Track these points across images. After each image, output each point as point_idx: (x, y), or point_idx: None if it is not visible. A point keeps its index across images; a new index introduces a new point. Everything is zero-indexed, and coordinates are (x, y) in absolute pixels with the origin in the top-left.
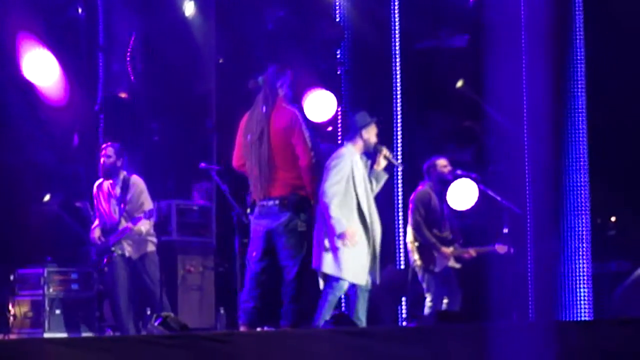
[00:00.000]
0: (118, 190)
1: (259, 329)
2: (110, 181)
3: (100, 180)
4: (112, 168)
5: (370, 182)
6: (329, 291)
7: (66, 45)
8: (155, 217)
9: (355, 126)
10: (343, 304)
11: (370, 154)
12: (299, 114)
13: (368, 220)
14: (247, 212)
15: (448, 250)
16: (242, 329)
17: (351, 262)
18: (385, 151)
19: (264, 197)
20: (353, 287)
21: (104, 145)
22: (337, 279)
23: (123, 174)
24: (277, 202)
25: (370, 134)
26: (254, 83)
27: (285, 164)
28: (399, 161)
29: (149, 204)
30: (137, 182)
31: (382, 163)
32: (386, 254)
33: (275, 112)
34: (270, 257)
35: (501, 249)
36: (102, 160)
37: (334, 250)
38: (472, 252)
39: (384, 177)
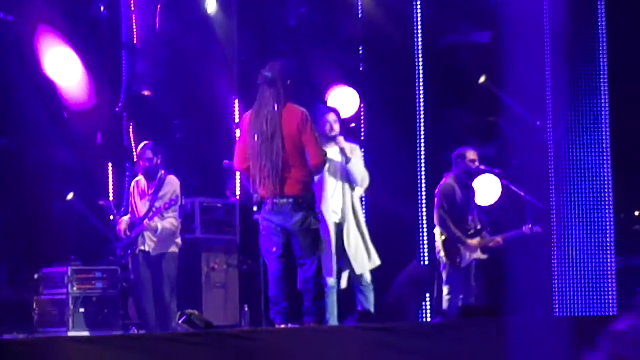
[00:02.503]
0: (152, 189)
1: (283, 326)
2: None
3: (139, 177)
4: (154, 169)
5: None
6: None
7: (89, 44)
8: (179, 215)
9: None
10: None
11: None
12: (308, 113)
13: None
14: (254, 210)
15: (474, 242)
16: None
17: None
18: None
19: (276, 195)
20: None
21: (140, 147)
22: None
23: (160, 173)
24: (291, 200)
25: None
26: (263, 78)
27: (298, 162)
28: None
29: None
30: (172, 181)
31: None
32: (410, 249)
33: (286, 111)
34: (289, 253)
35: (528, 229)
36: (142, 162)
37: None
38: (499, 239)
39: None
